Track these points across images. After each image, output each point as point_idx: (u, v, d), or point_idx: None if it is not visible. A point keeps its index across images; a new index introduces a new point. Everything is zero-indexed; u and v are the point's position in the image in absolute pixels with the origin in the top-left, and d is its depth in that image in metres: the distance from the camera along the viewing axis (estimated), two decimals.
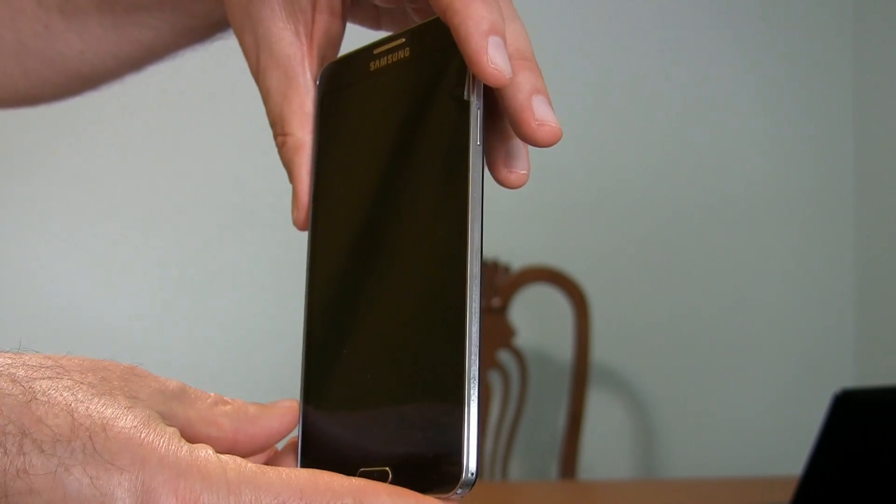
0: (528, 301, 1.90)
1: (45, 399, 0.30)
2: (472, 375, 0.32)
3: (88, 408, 0.30)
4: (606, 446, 2.06)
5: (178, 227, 1.93)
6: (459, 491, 0.32)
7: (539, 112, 0.35)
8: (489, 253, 1.84)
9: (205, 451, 0.30)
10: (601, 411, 2.04)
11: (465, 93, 0.34)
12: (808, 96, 2.14)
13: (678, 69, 2.11)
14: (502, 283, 1.80)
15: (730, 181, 2.12)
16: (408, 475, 0.33)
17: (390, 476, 0.33)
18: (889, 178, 2.05)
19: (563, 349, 1.92)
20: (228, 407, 0.35)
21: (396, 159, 0.36)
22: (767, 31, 2.13)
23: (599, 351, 1.94)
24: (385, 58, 0.38)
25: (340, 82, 0.39)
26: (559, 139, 0.35)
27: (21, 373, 0.31)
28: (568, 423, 1.82)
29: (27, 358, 0.32)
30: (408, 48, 0.37)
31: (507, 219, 1.99)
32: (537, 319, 1.98)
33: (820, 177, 2.15)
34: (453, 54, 0.35)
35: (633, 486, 1.72)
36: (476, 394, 0.32)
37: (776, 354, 2.13)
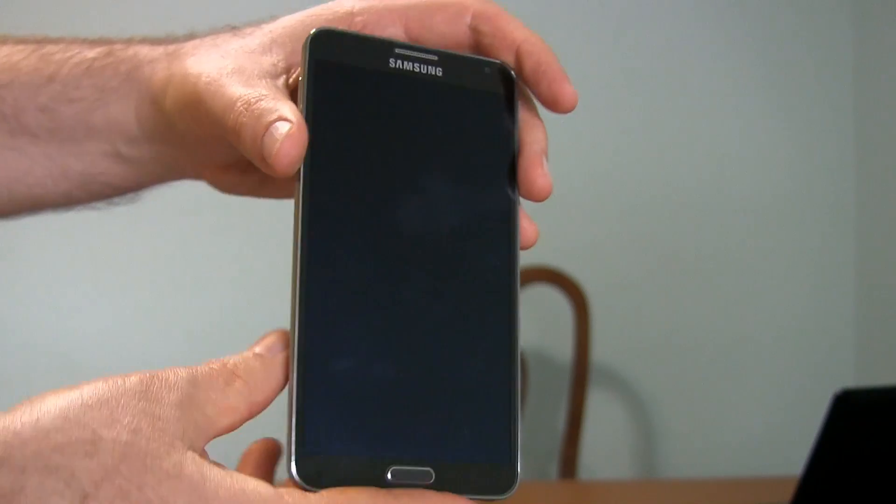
0: (528, 301, 1.90)
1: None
2: (517, 386, 0.34)
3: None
4: (606, 446, 2.06)
5: (178, 227, 1.93)
6: (505, 495, 0.33)
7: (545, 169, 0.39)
8: None
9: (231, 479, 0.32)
10: (601, 411, 2.04)
11: (515, 145, 0.38)
12: (809, 96, 2.14)
13: (678, 69, 2.11)
14: None
15: (730, 181, 2.12)
16: (452, 478, 0.33)
17: (433, 477, 0.33)
18: (889, 178, 2.05)
19: (563, 349, 1.92)
20: (238, 383, 0.36)
21: (429, 175, 0.36)
22: (767, 30, 2.13)
23: (599, 351, 1.94)
24: (410, 63, 0.37)
25: (343, 57, 0.36)
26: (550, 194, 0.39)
27: (61, 461, 0.31)
28: (568, 423, 1.82)
29: (56, 437, 0.32)
30: (440, 68, 0.38)
31: None
32: (537, 319, 1.98)
33: (820, 177, 2.15)
34: (501, 100, 0.38)
35: (633, 487, 1.72)
36: (519, 402, 0.34)
37: (776, 354, 2.13)
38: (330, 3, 0.41)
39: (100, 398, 0.32)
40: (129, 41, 0.45)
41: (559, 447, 1.84)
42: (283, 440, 0.35)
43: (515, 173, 0.38)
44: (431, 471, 0.33)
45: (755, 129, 2.13)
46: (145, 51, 0.43)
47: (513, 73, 0.40)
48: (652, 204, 2.09)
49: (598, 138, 2.07)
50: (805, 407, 1.73)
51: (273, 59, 0.39)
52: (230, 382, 0.35)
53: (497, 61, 0.39)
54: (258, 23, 0.42)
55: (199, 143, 0.40)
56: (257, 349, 0.37)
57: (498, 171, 0.38)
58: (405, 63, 0.37)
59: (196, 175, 0.45)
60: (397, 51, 0.37)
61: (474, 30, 0.40)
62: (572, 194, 2.05)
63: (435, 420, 0.34)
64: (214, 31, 0.43)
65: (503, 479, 0.34)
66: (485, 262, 0.36)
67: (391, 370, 0.34)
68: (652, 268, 2.10)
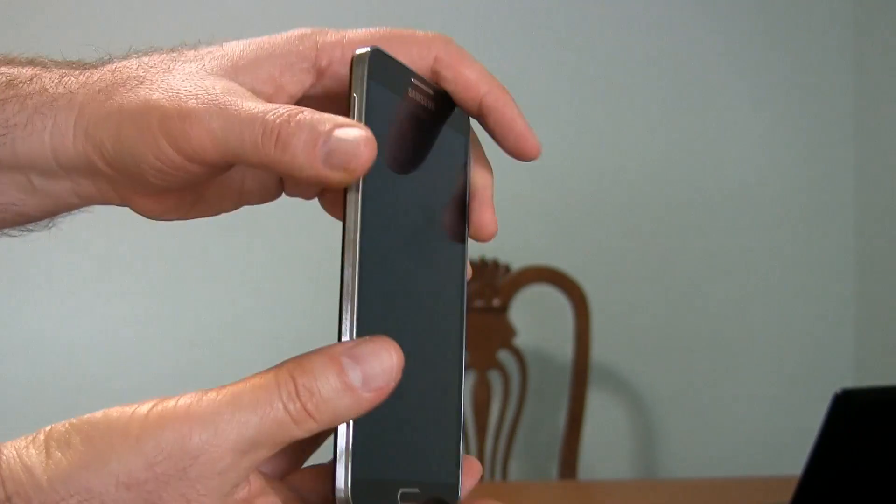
0: (528, 301, 1.90)
1: None
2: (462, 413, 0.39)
3: None
4: (606, 446, 2.06)
5: (178, 228, 1.93)
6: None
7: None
8: (489, 253, 1.84)
9: None
10: (601, 411, 2.04)
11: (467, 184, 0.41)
12: (808, 96, 2.14)
13: (678, 69, 2.11)
14: (502, 283, 1.80)
15: (730, 181, 2.12)
16: (426, 497, 0.37)
17: (420, 497, 0.36)
18: (889, 178, 2.05)
19: (563, 349, 1.92)
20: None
21: (423, 204, 0.38)
22: (767, 30, 2.13)
23: (599, 351, 1.94)
24: (419, 94, 0.38)
25: (388, 82, 0.36)
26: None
27: None
28: (568, 423, 1.82)
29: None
30: (433, 103, 0.39)
31: (507, 219, 1.98)
32: (537, 319, 1.98)
33: (820, 177, 2.15)
34: (463, 141, 0.41)
35: (633, 486, 1.72)
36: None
37: (776, 354, 2.13)
38: (289, 35, 0.40)
39: (130, 476, 0.31)
40: (32, 65, 0.43)
41: (559, 447, 1.84)
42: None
43: (466, 213, 0.41)
44: (419, 491, 0.36)
45: (755, 130, 2.13)
46: (53, 82, 0.40)
47: (470, 120, 0.42)
48: (652, 204, 2.09)
49: (598, 139, 2.07)
50: (805, 407, 1.73)
51: (249, 84, 0.38)
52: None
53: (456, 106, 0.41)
54: (191, 47, 0.41)
55: (143, 173, 0.38)
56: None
57: (457, 211, 0.40)
58: (416, 93, 0.38)
59: (121, 202, 0.42)
60: (413, 80, 0.38)
61: (435, 72, 0.40)
62: (572, 195, 2.05)
63: (421, 445, 0.37)
64: (135, 55, 0.41)
65: (453, 494, 0.38)
66: (442, 296, 0.39)
67: (406, 404, 0.36)
68: (652, 268, 2.10)
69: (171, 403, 0.32)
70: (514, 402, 1.85)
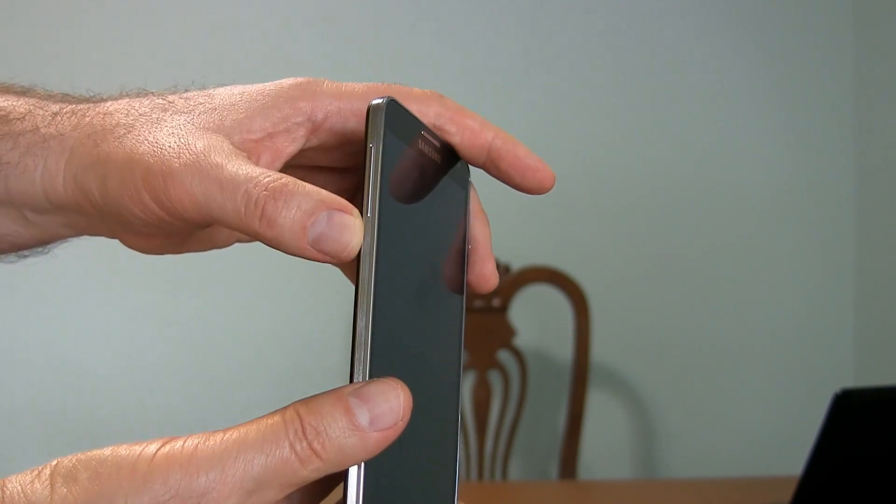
0: (528, 301, 1.90)
1: None
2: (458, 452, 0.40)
3: None
4: (606, 446, 2.06)
5: None
6: None
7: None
8: None
9: None
10: (601, 411, 2.04)
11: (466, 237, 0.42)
12: (809, 96, 2.14)
13: (678, 70, 2.11)
14: (502, 283, 1.80)
15: (729, 181, 2.12)
16: None
17: None
18: (889, 178, 2.05)
19: (563, 349, 1.92)
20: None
21: (432, 259, 0.38)
22: (767, 30, 2.13)
23: (599, 351, 1.94)
24: (427, 146, 0.38)
25: (401, 133, 0.36)
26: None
27: None
28: (568, 423, 1.82)
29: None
30: (440, 156, 0.39)
31: (507, 219, 1.99)
32: (537, 319, 1.99)
33: (820, 177, 2.15)
34: (463, 194, 0.41)
35: (633, 487, 1.72)
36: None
37: (776, 354, 2.13)
38: (282, 85, 0.39)
39: None
40: (27, 96, 0.43)
41: (559, 447, 1.85)
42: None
43: (465, 265, 0.41)
44: None
45: (755, 130, 2.13)
46: (46, 122, 0.41)
47: (468, 166, 0.42)
48: (652, 204, 2.09)
49: (598, 138, 2.07)
50: (805, 407, 1.73)
51: (240, 139, 0.38)
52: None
53: (459, 159, 0.42)
54: (182, 93, 0.41)
55: (128, 222, 0.38)
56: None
57: (458, 263, 0.41)
58: (424, 145, 0.38)
59: (111, 236, 0.42)
60: (423, 132, 0.38)
61: (438, 128, 0.40)
62: (572, 194, 2.05)
63: (423, 493, 0.37)
64: (127, 96, 0.41)
65: None
66: (443, 347, 0.39)
67: (411, 454, 0.37)
68: (652, 268, 2.10)
69: (178, 444, 0.32)
70: (514, 402, 1.85)
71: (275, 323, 1.99)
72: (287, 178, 0.34)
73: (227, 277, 1.99)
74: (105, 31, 1.94)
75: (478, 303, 1.79)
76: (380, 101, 0.35)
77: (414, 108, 0.39)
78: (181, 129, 0.37)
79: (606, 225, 2.08)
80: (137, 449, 0.32)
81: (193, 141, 0.36)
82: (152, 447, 0.32)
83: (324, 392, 0.33)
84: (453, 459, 0.40)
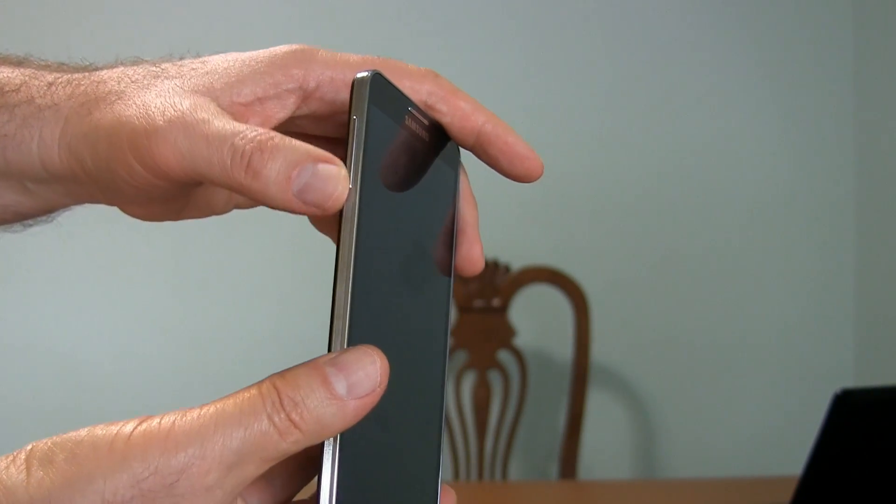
0: (528, 301, 1.90)
1: None
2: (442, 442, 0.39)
3: None
4: (606, 446, 2.06)
5: (178, 228, 1.93)
6: None
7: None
8: (489, 253, 1.84)
9: None
10: (601, 411, 2.04)
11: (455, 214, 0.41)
12: (809, 96, 2.14)
13: (678, 69, 2.11)
14: (502, 283, 1.80)
15: (730, 181, 2.12)
16: None
17: None
18: (889, 178, 2.05)
19: (563, 349, 1.92)
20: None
21: (416, 236, 0.38)
22: (768, 30, 2.13)
23: (599, 351, 1.94)
24: (415, 123, 0.38)
25: (387, 108, 0.36)
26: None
27: None
28: (568, 423, 1.82)
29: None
30: (428, 134, 0.39)
31: (507, 219, 1.99)
32: (537, 319, 1.99)
33: (820, 177, 2.15)
34: (453, 175, 0.41)
35: (633, 486, 1.72)
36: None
37: (776, 354, 2.13)
38: (276, 52, 0.39)
39: (116, 494, 0.30)
40: (22, 67, 0.43)
41: (559, 447, 1.85)
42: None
43: (454, 246, 0.41)
44: None
45: (755, 130, 2.13)
46: (41, 92, 0.40)
47: (458, 148, 0.42)
48: (651, 204, 2.09)
49: (598, 138, 2.07)
50: (805, 407, 1.73)
51: (228, 103, 0.37)
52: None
53: (450, 140, 0.41)
54: (176, 61, 0.41)
55: (120, 188, 0.38)
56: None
57: (446, 243, 0.40)
58: (412, 122, 0.38)
59: (109, 203, 0.42)
60: (410, 109, 0.38)
61: (429, 106, 0.40)
62: (572, 195, 2.05)
63: (403, 474, 0.37)
64: (122, 64, 0.41)
65: None
66: (428, 326, 0.39)
67: (388, 432, 0.36)
68: (652, 268, 2.10)
69: (155, 422, 0.31)
70: (514, 402, 1.85)
71: (275, 323, 1.99)
72: (274, 133, 0.34)
73: (227, 277, 1.99)
74: (103, 3, 1.94)
75: (478, 303, 1.79)
76: (365, 74, 0.35)
77: (407, 85, 0.39)
78: (169, 91, 0.37)
79: (606, 225, 2.08)
80: (114, 428, 0.31)
81: (179, 101, 0.36)
82: (129, 426, 0.31)
83: (300, 364, 0.32)
84: (437, 437, 0.39)
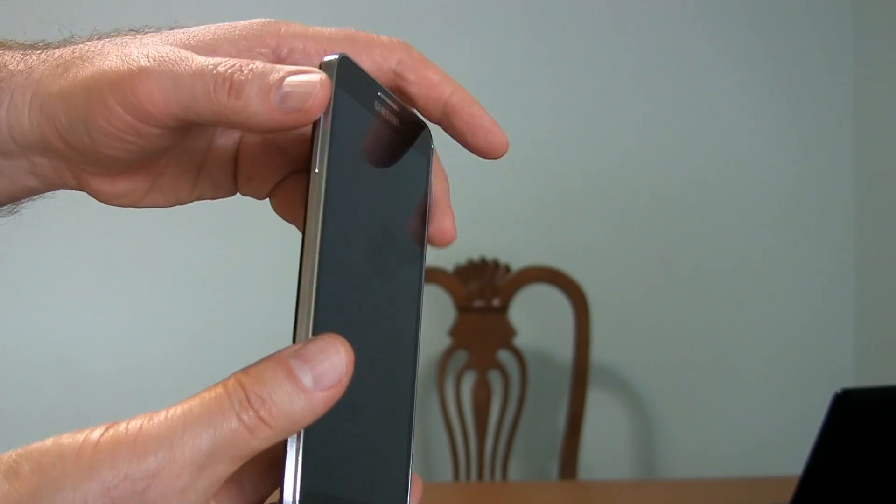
0: (528, 301, 1.90)
1: None
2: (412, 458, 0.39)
3: None
4: (606, 446, 2.06)
5: (177, 228, 1.93)
6: None
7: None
8: (489, 253, 1.84)
9: None
10: (601, 411, 2.04)
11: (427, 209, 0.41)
12: (808, 96, 2.14)
13: (678, 69, 2.11)
14: (502, 283, 1.80)
15: (730, 181, 2.12)
16: None
17: None
18: (889, 178, 2.05)
19: (563, 349, 1.92)
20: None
21: (386, 218, 0.38)
22: (767, 30, 2.13)
23: (599, 351, 1.94)
24: (384, 109, 0.38)
25: (354, 92, 0.36)
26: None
27: None
28: (568, 423, 1.82)
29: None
30: (398, 119, 0.39)
31: (507, 219, 1.99)
32: (537, 319, 1.98)
33: (820, 177, 2.15)
34: (424, 157, 0.41)
35: (633, 486, 1.72)
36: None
37: (776, 354, 2.13)
38: (252, 22, 0.41)
39: (86, 503, 0.30)
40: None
41: (559, 447, 1.84)
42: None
43: (426, 232, 0.41)
44: None
45: (755, 130, 2.13)
46: (15, 60, 0.40)
47: (430, 133, 0.42)
48: (652, 204, 2.09)
49: (598, 139, 2.07)
50: (805, 407, 1.73)
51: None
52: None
53: (423, 121, 0.41)
54: (154, 29, 0.41)
55: (95, 143, 0.38)
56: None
57: (417, 228, 0.40)
58: (380, 106, 0.38)
59: (77, 185, 0.42)
60: (379, 94, 0.38)
61: (398, 75, 0.40)
62: (572, 195, 2.05)
63: (371, 462, 0.36)
64: (98, 36, 0.41)
65: None
66: (398, 313, 0.39)
67: (356, 419, 0.35)
68: (652, 268, 2.10)
69: (122, 427, 0.31)
70: (514, 402, 1.85)
71: (275, 323, 1.99)
72: (256, 61, 0.35)
73: (227, 277, 1.99)
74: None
75: (478, 303, 1.79)
76: (332, 57, 0.35)
77: (377, 54, 0.40)
78: (149, 43, 0.38)
79: (606, 225, 2.08)
80: (80, 436, 0.31)
81: (161, 48, 0.37)
82: (96, 433, 0.31)
83: (264, 358, 0.32)
84: (408, 426, 0.39)
